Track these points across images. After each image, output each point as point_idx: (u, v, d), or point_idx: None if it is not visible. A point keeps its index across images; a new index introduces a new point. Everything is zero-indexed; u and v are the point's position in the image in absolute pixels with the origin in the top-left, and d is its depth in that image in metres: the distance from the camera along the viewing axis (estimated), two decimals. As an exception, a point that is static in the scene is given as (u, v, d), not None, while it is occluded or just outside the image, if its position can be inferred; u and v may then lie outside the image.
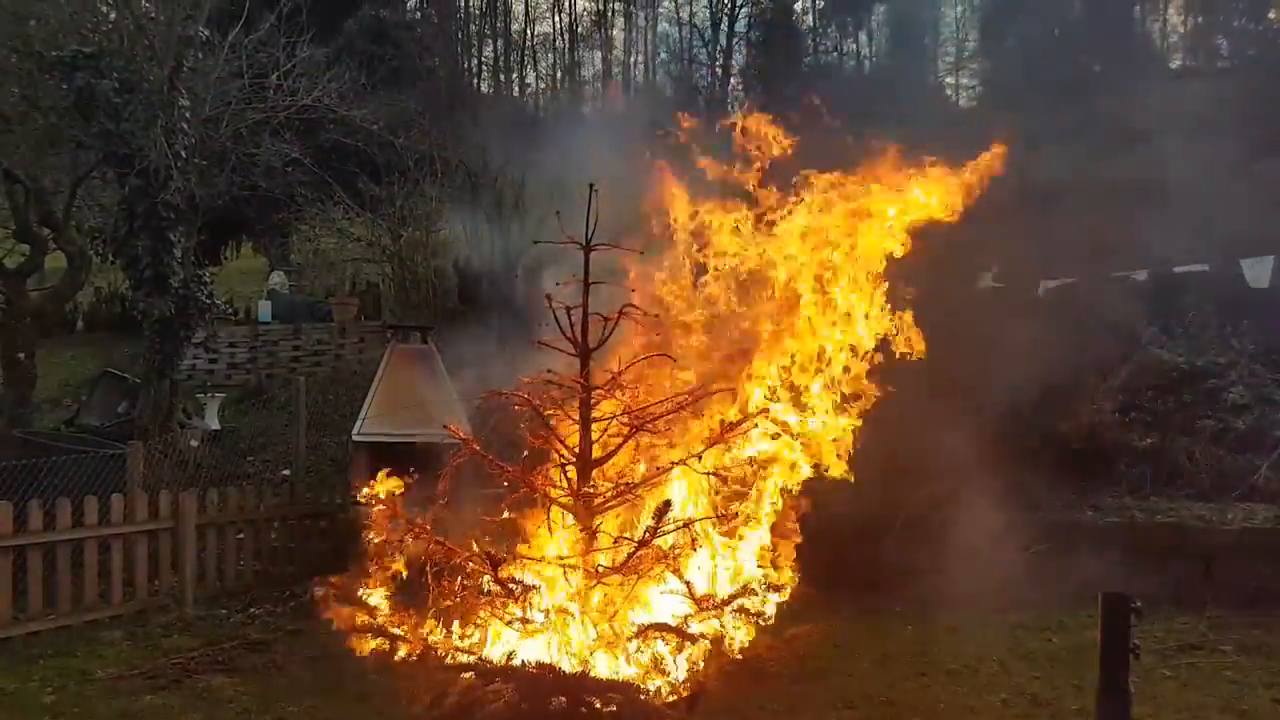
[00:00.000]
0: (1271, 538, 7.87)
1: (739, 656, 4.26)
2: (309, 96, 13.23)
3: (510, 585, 4.25)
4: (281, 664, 6.88)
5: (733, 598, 4.29)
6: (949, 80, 32.74)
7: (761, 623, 4.46)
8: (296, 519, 9.63)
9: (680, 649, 4.13)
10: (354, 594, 4.46)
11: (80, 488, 8.23)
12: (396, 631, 4.37)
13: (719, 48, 27.95)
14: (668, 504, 4.18)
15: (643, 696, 3.96)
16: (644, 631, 4.11)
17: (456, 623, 4.42)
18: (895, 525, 8.61)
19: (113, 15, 11.21)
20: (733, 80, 26.94)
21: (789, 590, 4.52)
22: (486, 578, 4.27)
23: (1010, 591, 8.26)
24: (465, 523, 4.78)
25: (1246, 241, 11.34)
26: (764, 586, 4.42)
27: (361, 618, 4.36)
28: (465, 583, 4.33)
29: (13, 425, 10.80)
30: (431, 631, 4.37)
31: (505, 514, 4.69)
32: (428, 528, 4.41)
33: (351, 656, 6.59)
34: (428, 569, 4.47)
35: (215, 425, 12.92)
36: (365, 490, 4.61)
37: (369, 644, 4.36)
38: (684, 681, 4.18)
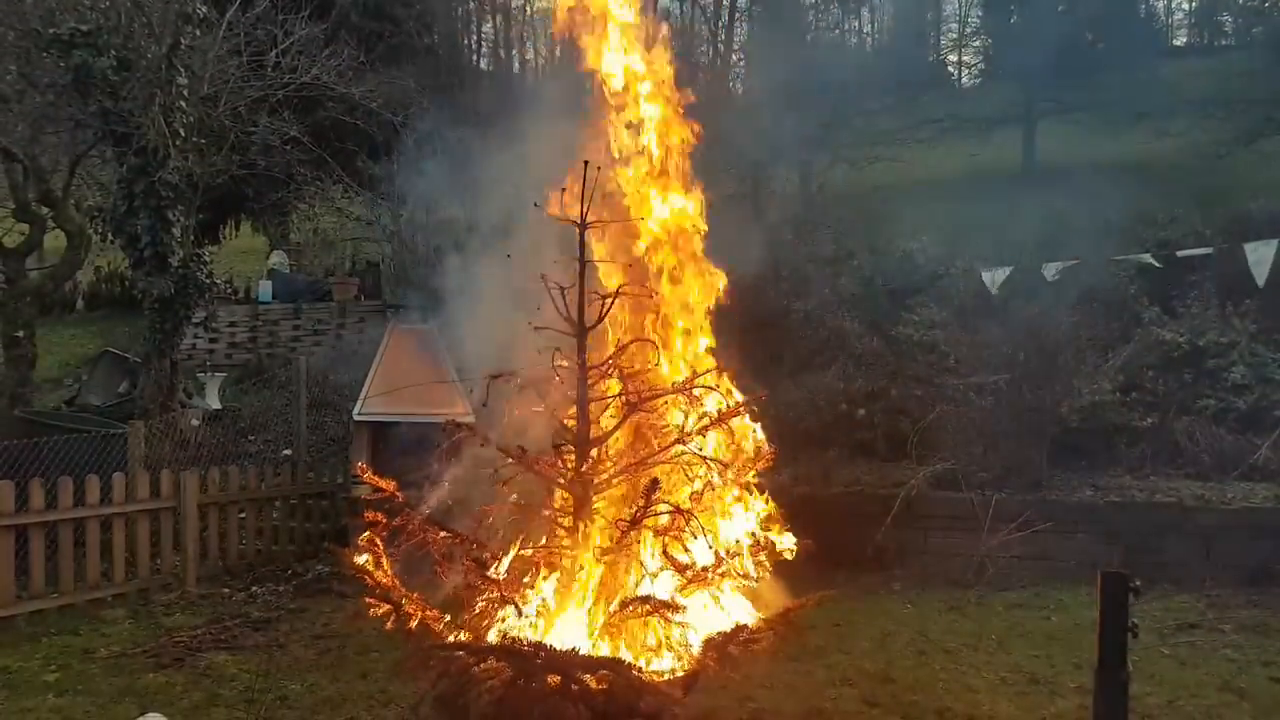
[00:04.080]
0: (1271, 517, 7.88)
1: (737, 634, 4.26)
2: (307, 74, 13.15)
3: (498, 574, 4.27)
4: (283, 642, 6.91)
5: (716, 565, 4.30)
6: (951, 58, 32.58)
7: (752, 587, 4.47)
8: (298, 498, 9.67)
9: (671, 623, 4.13)
10: (361, 565, 4.45)
11: (82, 467, 8.24)
12: (402, 603, 4.36)
13: (720, 24, 27.75)
14: (655, 482, 4.18)
15: (636, 673, 3.96)
16: (631, 604, 4.11)
17: (454, 601, 4.44)
18: (895, 504, 8.63)
19: (110, -8, 11.12)
20: (735, 56, 26.76)
21: (779, 551, 4.52)
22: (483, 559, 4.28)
23: (1009, 570, 8.31)
24: (466, 504, 4.79)
25: (1250, 222, 11.29)
26: (749, 549, 4.41)
27: (372, 579, 4.35)
28: (462, 565, 4.34)
29: (14, 405, 10.81)
30: (428, 610, 4.38)
31: (511, 497, 4.68)
32: (422, 514, 4.42)
33: (353, 635, 6.67)
34: (430, 552, 4.48)
35: (216, 405, 12.93)
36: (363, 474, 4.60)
37: (378, 610, 4.34)
38: (681, 659, 4.18)
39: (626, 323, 4.95)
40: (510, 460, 4.44)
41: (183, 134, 10.38)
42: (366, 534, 4.51)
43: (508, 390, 4.66)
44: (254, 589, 8.48)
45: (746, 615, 4.46)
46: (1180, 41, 32.36)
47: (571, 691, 3.93)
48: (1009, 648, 6.62)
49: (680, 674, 4.18)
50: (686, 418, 4.63)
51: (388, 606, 4.34)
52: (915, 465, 9.13)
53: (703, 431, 4.50)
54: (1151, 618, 6.92)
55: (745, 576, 4.39)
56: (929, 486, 8.84)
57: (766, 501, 4.86)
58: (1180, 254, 10.44)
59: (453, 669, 4.10)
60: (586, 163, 4.51)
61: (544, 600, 4.36)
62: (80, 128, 11.35)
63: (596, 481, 4.44)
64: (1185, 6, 33.43)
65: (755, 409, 4.93)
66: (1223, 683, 5.84)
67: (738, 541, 4.51)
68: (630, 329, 4.89)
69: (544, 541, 4.52)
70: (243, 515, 9.18)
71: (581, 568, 4.35)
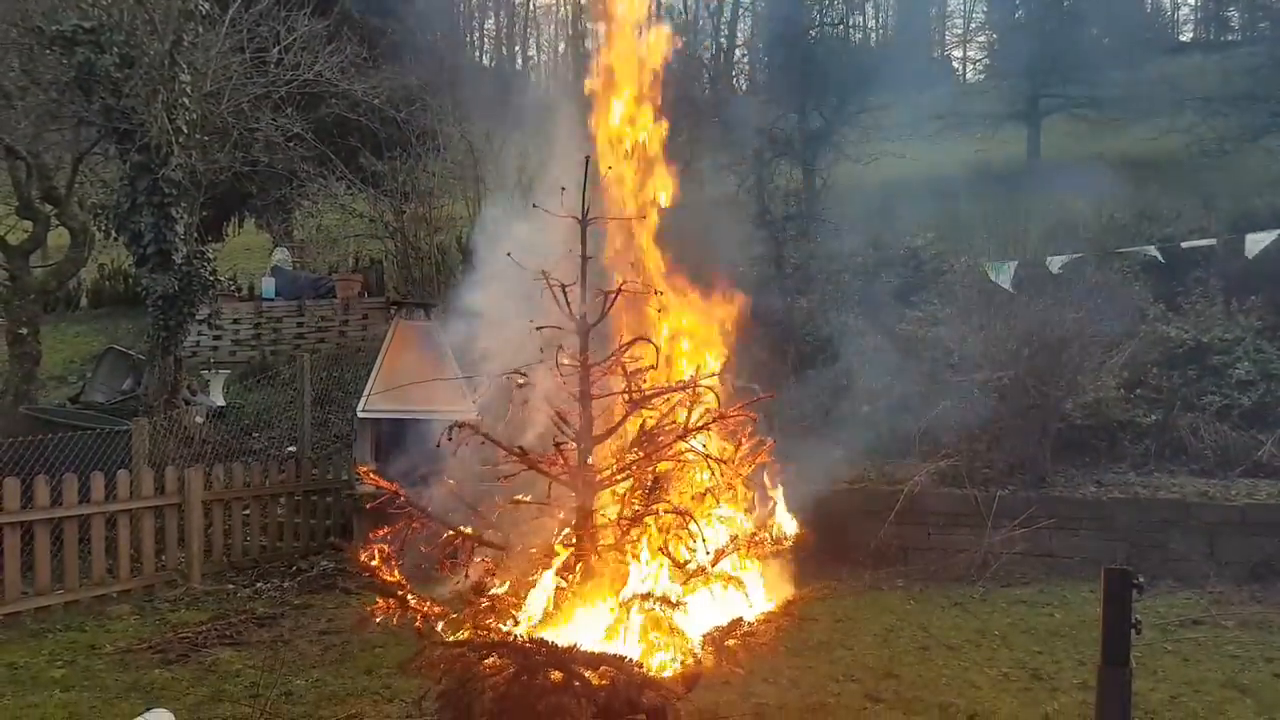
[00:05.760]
0: (1274, 513, 7.88)
1: (735, 628, 4.26)
2: (310, 70, 13.15)
3: (496, 588, 4.28)
4: (288, 638, 6.93)
5: (716, 561, 4.30)
6: (956, 54, 32.51)
7: (753, 582, 4.47)
8: (302, 494, 9.69)
9: (672, 619, 4.13)
10: (366, 562, 4.45)
11: (87, 464, 8.27)
12: (407, 599, 4.37)
13: (723, 19, 27.72)
14: (657, 480, 4.19)
15: (638, 669, 3.96)
16: (633, 600, 4.11)
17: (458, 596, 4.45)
18: (899, 501, 8.63)
19: (112, -12, 11.12)
20: (738, 51, 26.73)
21: (780, 544, 4.52)
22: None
23: (1013, 566, 8.31)
24: (470, 501, 4.80)
25: (1255, 218, 11.27)
26: (749, 543, 4.41)
27: (377, 576, 4.35)
28: (465, 562, 4.35)
29: (18, 402, 10.83)
30: (433, 606, 4.39)
31: (515, 494, 4.68)
32: (424, 511, 4.43)
33: (358, 630, 6.69)
34: (434, 551, 4.49)
35: (220, 402, 12.95)
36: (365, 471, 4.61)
37: (382, 606, 4.35)
38: (683, 655, 4.18)
39: (629, 320, 4.94)
40: (512, 458, 4.44)
41: (186, 131, 10.39)
42: (371, 531, 4.52)
43: (514, 387, 4.66)
44: (259, 585, 8.50)
45: (746, 610, 4.46)
46: (1186, 37, 32.29)
47: (574, 687, 3.93)
48: (1012, 644, 6.63)
49: (682, 669, 4.18)
50: (689, 415, 4.63)
51: (392, 603, 4.34)
52: (919, 461, 9.14)
53: (705, 428, 4.50)
54: (1155, 614, 6.93)
55: (745, 574, 4.39)
56: (932, 483, 8.84)
57: (771, 498, 4.85)
58: (1185, 245, 10.42)
59: (456, 665, 4.10)
60: (588, 158, 4.50)
61: (547, 597, 4.36)
62: (83, 125, 11.35)
63: (598, 479, 4.44)
64: (1191, 2, 33.36)
65: (759, 406, 4.92)
66: (1226, 679, 5.84)
67: (737, 538, 4.51)
68: (633, 327, 4.88)
69: (547, 538, 4.52)
70: (247, 511, 9.20)
71: (583, 564, 4.35)
